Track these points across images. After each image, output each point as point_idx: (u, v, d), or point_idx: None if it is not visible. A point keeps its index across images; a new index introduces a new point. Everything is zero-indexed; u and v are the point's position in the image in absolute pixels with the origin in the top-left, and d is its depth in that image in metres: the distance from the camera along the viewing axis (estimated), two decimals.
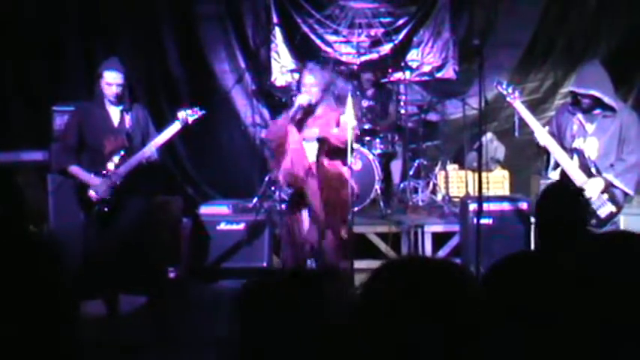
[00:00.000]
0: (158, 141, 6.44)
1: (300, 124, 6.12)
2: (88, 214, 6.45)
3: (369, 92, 9.28)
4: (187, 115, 6.53)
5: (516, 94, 6.07)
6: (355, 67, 9.62)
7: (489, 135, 9.37)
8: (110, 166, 6.35)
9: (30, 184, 8.04)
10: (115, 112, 6.43)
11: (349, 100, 6.66)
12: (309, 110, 6.05)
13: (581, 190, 3.84)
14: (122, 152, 6.36)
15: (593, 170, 5.88)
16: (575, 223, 3.73)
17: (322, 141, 6.16)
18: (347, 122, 6.05)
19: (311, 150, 6.21)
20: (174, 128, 6.51)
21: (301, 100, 5.97)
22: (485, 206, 6.91)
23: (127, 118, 6.43)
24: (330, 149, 6.20)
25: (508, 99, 6.08)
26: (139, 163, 6.38)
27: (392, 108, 9.32)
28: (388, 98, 9.38)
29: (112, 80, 6.30)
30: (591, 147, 5.90)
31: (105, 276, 6.29)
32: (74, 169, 6.37)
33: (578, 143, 5.93)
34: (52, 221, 7.65)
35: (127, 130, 6.42)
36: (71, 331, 1.97)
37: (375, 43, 10.16)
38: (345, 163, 6.20)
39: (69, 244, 6.79)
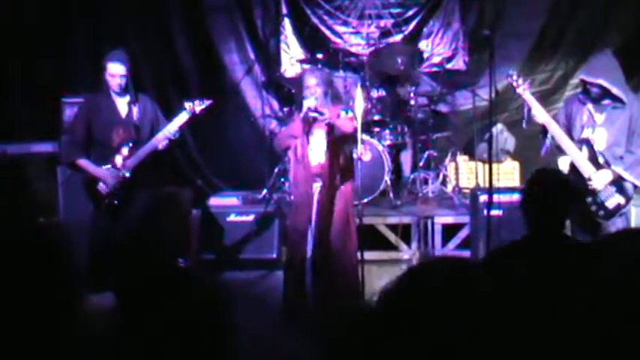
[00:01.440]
0: (167, 131, 6.44)
1: (308, 130, 6.17)
2: (97, 207, 6.46)
3: (377, 83, 9.22)
4: (194, 105, 6.53)
5: (526, 85, 6.04)
6: (365, 57, 9.60)
7: (499, 126, 9.34)
8: (119, 158, 6.36)
9: (40, 176, 8.06)
10: (122, 104, 6.43)
11: (358, 91, 6.65)
12: (314, 114, 6.09)
13: (567, 178, 3.84)
14: (130, 144, 6.36)
15: (602, 161, 5.85)
16: (563, 211, 3.74)
17: (330, 136, 6.17)
18: (347, 116, 6.14)
19: (319, 147, 6.22)
20: (181, 119, 6.50)
21: (309, 103, 6.01)
22: (496, 197, 6.91)
23: (135, 109, 6.44)
24: (338, 145, 6.20)
25: (518, 90, 6.04)
26: (147, 155, 6.38)
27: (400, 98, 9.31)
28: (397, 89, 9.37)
29: (115, 72, 6.32)
30: (600, 138, 5.87)
31: (114, 268, 6.30)
32: (83, 162, 6.38)
33: (587, 134, 5.90)
34: (62, 213, 7.66)
35: (135, 122, 6.42)
36: (73, 323, 1.98)
37: (385, 33, 10.12)
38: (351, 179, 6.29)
39: (79, 236, 6.81)
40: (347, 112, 6.21)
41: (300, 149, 6.16)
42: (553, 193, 3.72)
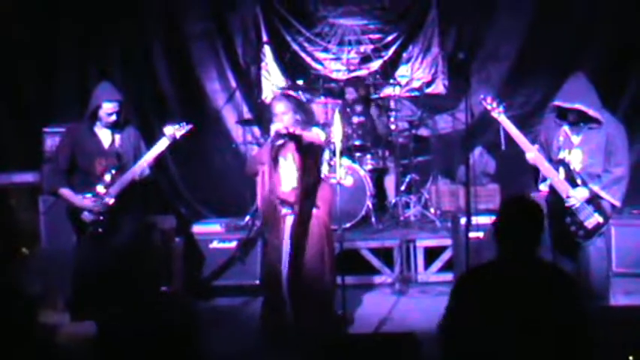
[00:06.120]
0: (147, 158, 6.47)
1: (276, 156, 6.20)
2: (81, 236, 6.46)
3: (358, 108, 9.27)
4: (175, 130, 6.56)
5: (501, 108, 6.06)
6: (342, 83, 9.68)
7: (479, 149, 9.40)
8: (101, 187, 6.37)
9: (22, 205, 8.05)
10: (105, 134, 6.47)
11: (336, 116, 6.68)
12: (283, 139, 6.15)
13: (540, 208, 3.79)
14: (113, 172, 6.38)
15: (579, 182, 5.90)
16: (533, 240, 3.72)
17: (300, 157, 6.20)
18: (317, 130, 6.18)
19: (289, 172, 6.25)
20: (162, 144, 6.53)
21: (276, 127, 6.05)
22: (477, 220, 6.95)
23: (117, 137, 6.47)
24: (309, 169, 6.22)
25: (493, 114, 6.06)
26: (130, 182, 6.40)
27: (380, 123, 9.35)
28: (378, 114, 9.41)
29: (111, 110, 6.39)
30: (576, 158, 5.92)
31: (97, 296, 6.29)
32: (65, 192, 6.39)
33: (563, 155, 5.95)
34: (45, 242, 7.65)
35: (117, 149, 6.45)
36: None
37: (365, 59, 10.20)
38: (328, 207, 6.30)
39: (61, 265, 6.81)
40: (323, 129, 6.25)
41: (266, 175, 6.20)
42: (524, 222, 3.69)
